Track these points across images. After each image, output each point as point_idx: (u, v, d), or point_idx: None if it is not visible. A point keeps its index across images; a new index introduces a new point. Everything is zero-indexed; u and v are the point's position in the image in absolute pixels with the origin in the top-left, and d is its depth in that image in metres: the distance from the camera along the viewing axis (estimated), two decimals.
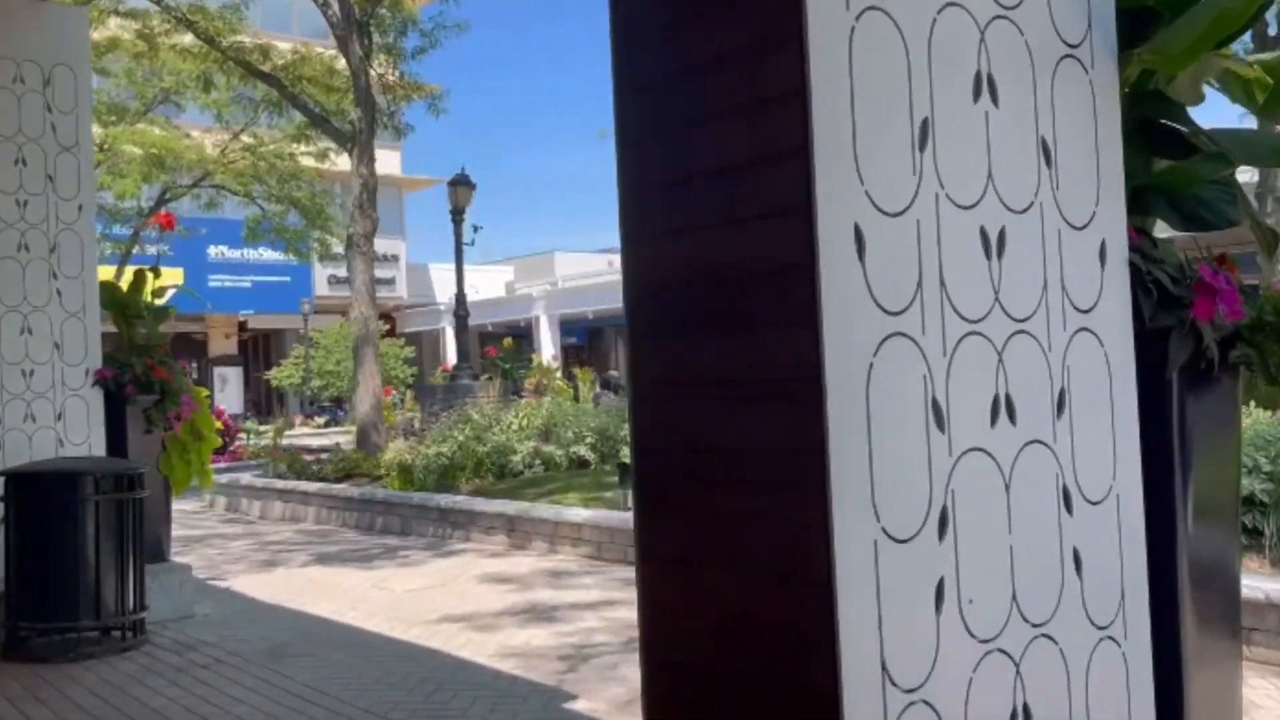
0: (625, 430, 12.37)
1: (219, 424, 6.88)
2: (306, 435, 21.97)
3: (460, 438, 12.13)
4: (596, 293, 36.67)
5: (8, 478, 5.01)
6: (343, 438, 23.95)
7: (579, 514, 8.24)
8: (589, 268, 43.07)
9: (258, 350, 39.24)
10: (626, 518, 7.80)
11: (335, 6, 14.09)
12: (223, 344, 33.79)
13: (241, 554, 9.08)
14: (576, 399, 16.64)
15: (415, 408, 17.34)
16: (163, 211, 13.71)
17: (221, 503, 12.57)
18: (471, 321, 42.61)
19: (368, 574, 7.68)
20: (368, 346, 13.79)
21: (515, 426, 12.40)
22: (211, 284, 28.30)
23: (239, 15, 14.55)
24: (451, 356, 38.77)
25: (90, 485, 5.09)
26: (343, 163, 29.67)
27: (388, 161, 40.46)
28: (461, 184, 15.84)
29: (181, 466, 6.25)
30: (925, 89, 1.65)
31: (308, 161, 26.86)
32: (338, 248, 29.04)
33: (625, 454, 12.61)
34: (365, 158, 13.88)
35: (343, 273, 38.33)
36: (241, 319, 33.95)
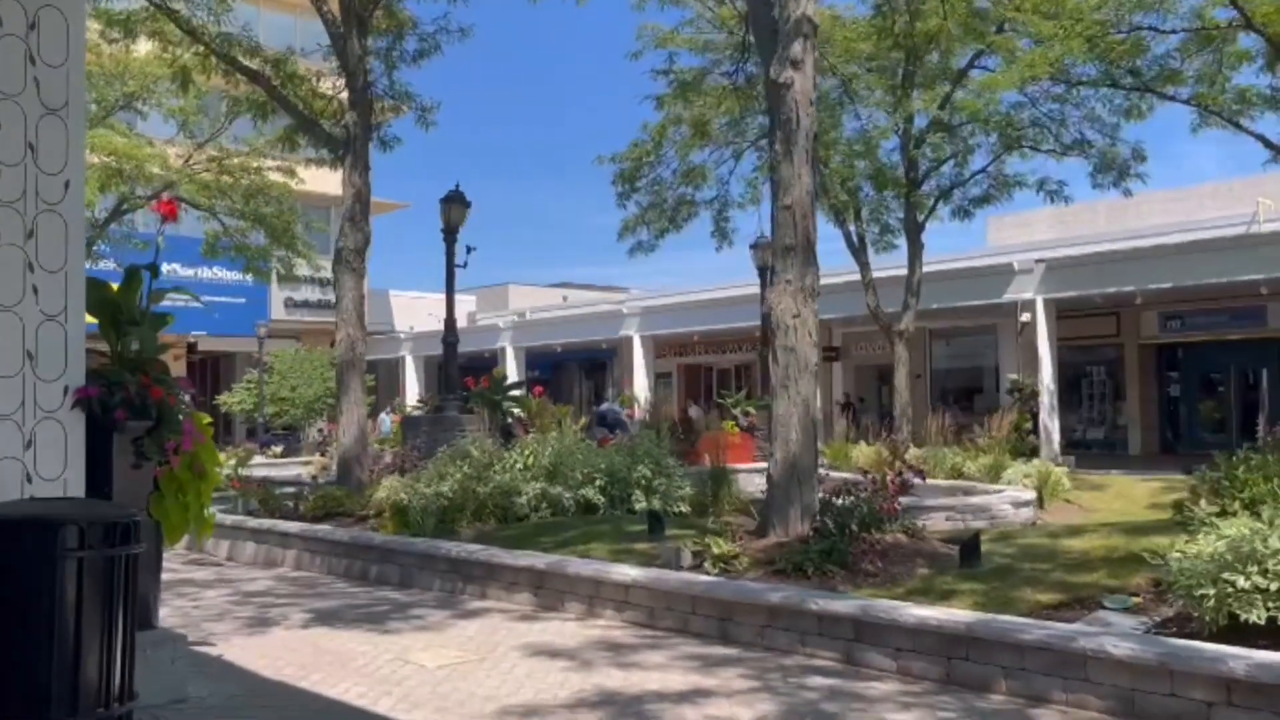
0: (638, 472, 11.55)
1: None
2: (263, 466, 20.60)
3: (458, 476, 11.00)
4: (564, 325, 35.46)
5: None
6: (302, 469, 22.54)
7: (626, 573, 7.14)
8: (543, 301, 41.96)
9: (206, 374, 37.73)
10: (687, 580, 6.69)
11: (332, 2, 12.97)
12: (171, 366, 32.07)
13: (222, 608, 7.83)
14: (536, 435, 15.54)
15: (396, 440, 16.20)
16: (164, 198, 12.49)
17: (182, 540, 11.22)
18: (432, 351, 40.69)
19: (383, 640, 6.49)
20: (353, 372, 12.66)
21: (520, 465, 11.23)
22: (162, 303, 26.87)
23: (225, 6, 13.36)
24: (412, 386, 37.27)
25: (73, 537, 3.99)
26: (313, 180, 28.27)
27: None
28: (455, 201, 14.78)
29: (177, 510, 5.14)
30: None
31: (274, 177, 25.54)
32: (302, 269, 27.54)
33: (640, 499, 11.39)
34: (359, 165, 12.80)
35: (300, 295, 36.91)
36: (192, 339, 32.42)
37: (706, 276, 69.14)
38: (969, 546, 7.12)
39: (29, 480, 4.84)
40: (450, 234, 14.81)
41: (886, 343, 30.53)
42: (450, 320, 15.20)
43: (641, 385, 29.55)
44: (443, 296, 15.65)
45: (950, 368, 29.88)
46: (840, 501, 7.67)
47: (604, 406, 23.21)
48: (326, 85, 15.34)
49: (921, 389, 29.51)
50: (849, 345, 30.69)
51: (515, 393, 17.48)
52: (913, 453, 16.18)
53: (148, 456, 5.14)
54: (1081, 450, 23.98)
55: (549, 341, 34.21)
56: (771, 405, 8.22)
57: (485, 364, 33.35)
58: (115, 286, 5.41)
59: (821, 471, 17.56)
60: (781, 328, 8.13)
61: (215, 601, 8.18)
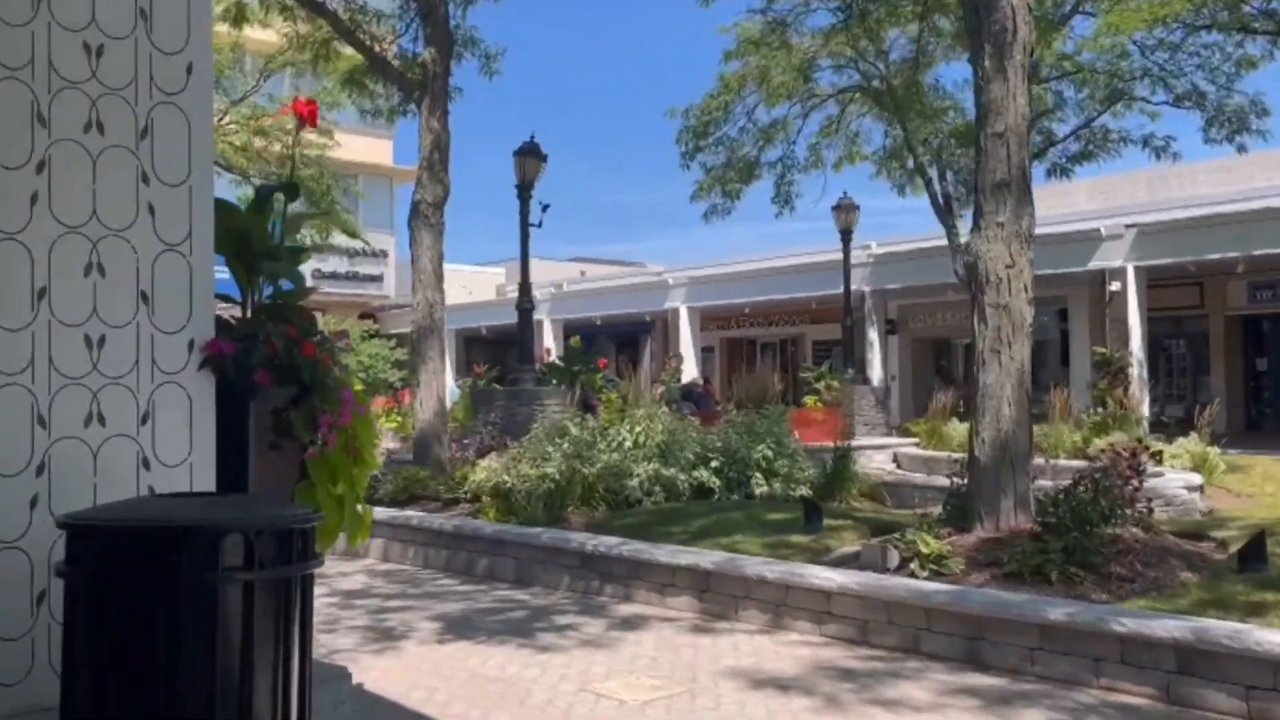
0: (758, 452, 10.29)
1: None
2: None
3: (558, 457, 9.78)
4: (605, 297, 34.22)
5: (73, 533, 2.89)
6: None
7: (829, 577, 5.91)
8: (559, 275, 40.86)
9: None
10: (919, 589, 5.41)
11: None
12: None
13: (327, 614, 6.69)
14: (623, 411, 14.37)
15: (464, 414, 15.09)
16: (301, 98, 11.22)
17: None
18: (464, 324, 39.40)
19: (547, 661, 5.31)
20: (432, 339, 11.46)
21: (629, 444, 10.00)
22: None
23: None
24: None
25: (238, 551, 2.79)
26: (351, 146, 26.92)
27: (378, 150, 37.96)
28: (530, 155, 13.48)
29: (330, 505, 3.84)
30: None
31: (311, 138, 24.14)
32: (338, 238, 26.25)
33: (759, 482, 10.13)
34: (438, 109, 11.50)
35: (328, 266, 35.49)
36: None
37: (732, 249, 67.79)
38: (1252, 548, 5.83)
39: (145, 466, 3.60)
40: (524, 190, 13.53)
41: (947, 315, 29.37)
42: (525, 284, 13.99)
43: (690, 359, 28.24)
44: (476, 269, 14.39)
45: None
46: (1080, 489, 6.40)
47: (691, 380, 21.92)
48: (386, 29, 14.00)
49: None
50: (905, 318, 29.34)
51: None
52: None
53: (294, 434, 3.90)
54: (1159, 429, 22.67)
55: (587, 314, 32.89)
56: (976, 374, 6.96)
57: (515, 339, 32.02)
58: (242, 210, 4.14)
59: (915, 449, 16.35)
60: (991, 281, 6.85)
61: (321, 610, 6.98)
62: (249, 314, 4.01)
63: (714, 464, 10.17)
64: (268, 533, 2.86)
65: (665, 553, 6.82)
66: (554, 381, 13.82)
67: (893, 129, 21.32)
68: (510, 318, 37.94)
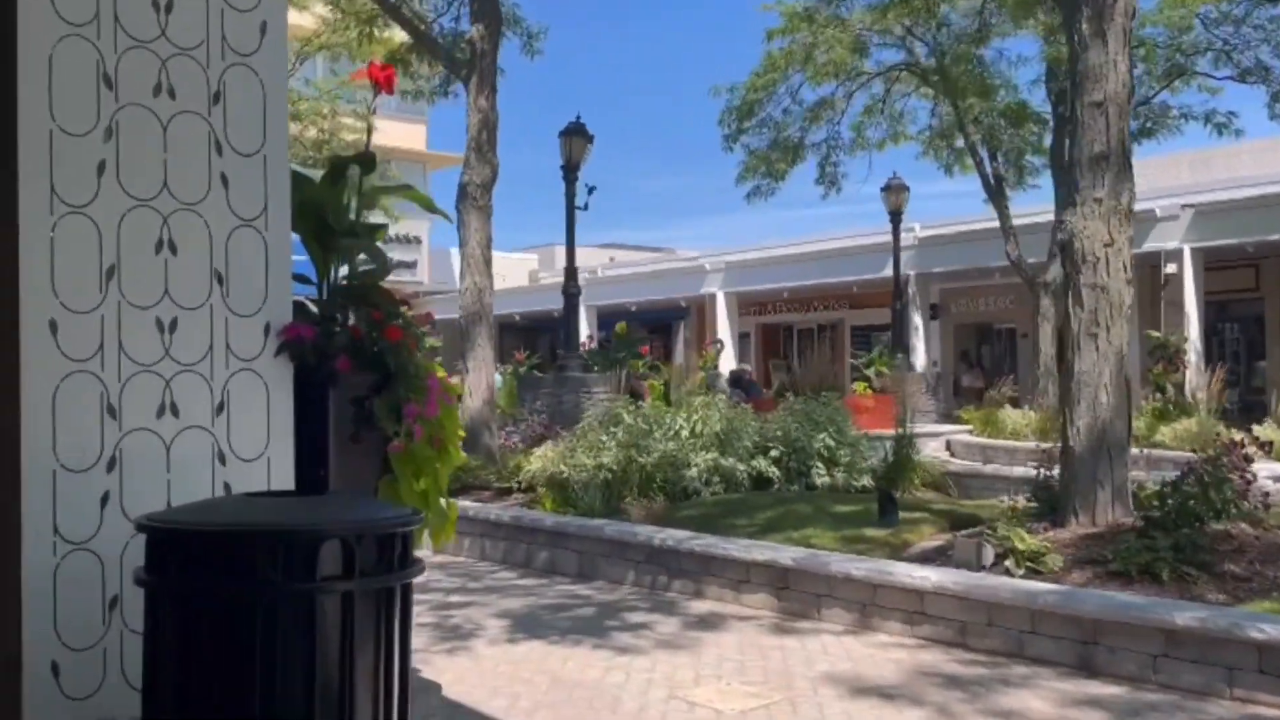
0: (820, 441, 9.92)
1: None
2: None
3: (613, 446, 9.44)
4: (640, 283, 33.86)
5: (155, 537, 2.60)
6: None
7: (923, 575, 5.54)
8: (590, 261, 40.50)
9: None
10: (1025, 589, 5.05)
11: None
12: None
13: None
14: (667, 399, 14.10)
15: (509, 401, 14.83)
16: (377, 61, 10.90)
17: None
18: (497, 311, 38.96)
19: (629, 664, 5.03)
20: (481, 325, 11.15)
21: (686, 433, 9.65)
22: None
23: None
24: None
25: (338, 557, 2.50)
26: (385, 131, 26.73)
27: (411, 135, 37.78)
28: (576, 135, 13.13)
29: (415, 502, 3.55)
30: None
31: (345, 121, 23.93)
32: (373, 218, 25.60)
33: (820, 471, 9.80)
34: (486, 87, 11.16)
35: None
36: None
37: (761, 235, 67.11)
38: None
39: (221, 461, 3.32)
40: (570, 171, 13.19)
41: (989, 300, 28.78)
42: (571, 269, 13.67)
43: (729, 345, 27.81)
44: (507, 255, 14.08)
45: (1060, 325, 27.83)
46: (1187, 483, 6.01)
47: (737, 367, 21.56)
48: (428, 7, 13.69)
49: (1026, 349, 27.66)
50: (948, 302, 28.77)
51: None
52: None
53: (376, 425, 3.60)
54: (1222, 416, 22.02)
55: (622, 300, 32.49)
56: (1070, 358, 6.58)
57: (549, 326, 31.86)
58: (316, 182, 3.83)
59: (969, 437, 15.91)
60: (1088, 260, 6.46)
61: None
62: (325, 296, 3.72)
63: (773, 453, 9.81)
64: (369, 537, 2.57)
65: (739, 547, 6.50)
66: (598, 368, 13.52)
67: (941, 107, 20.84)
68: (543, 304, 37.56)
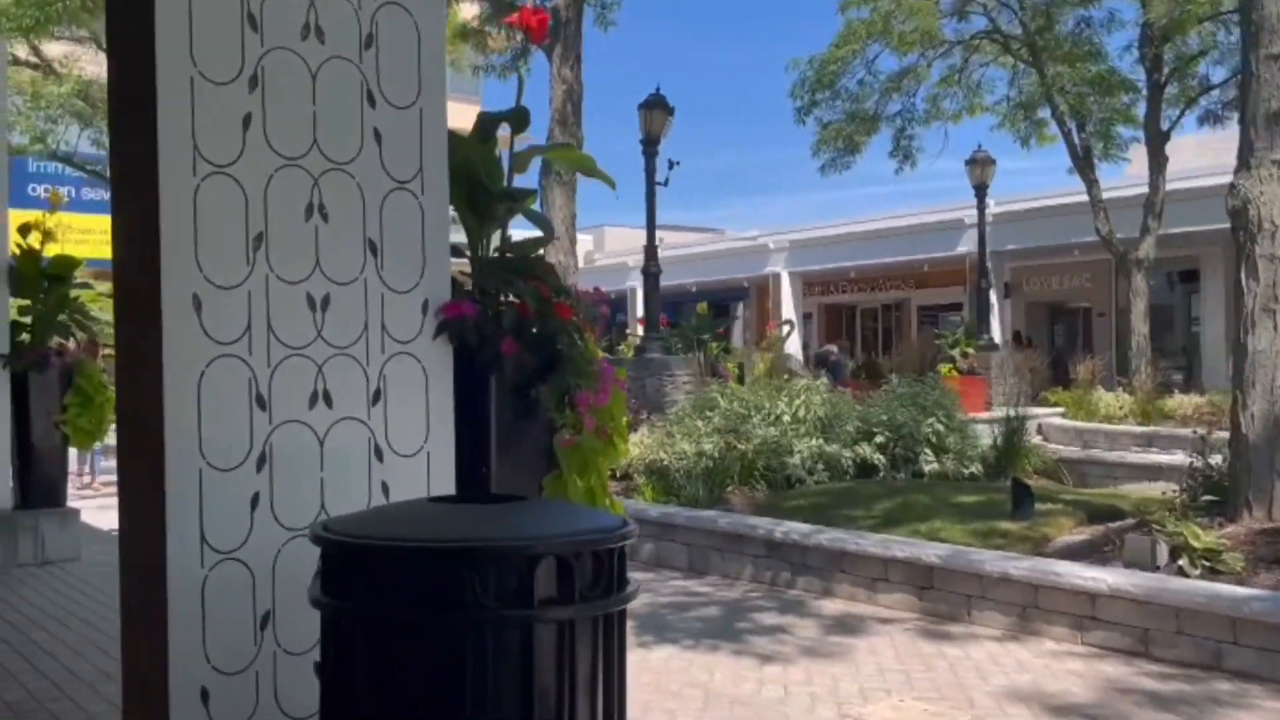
0: (929, 426, 9.40)
1: None
2: None
3: (711, 432, 8.98)
4: (701, 263, 33.32)
5: (334, 552, 2.22)
6: None
7: (1096, 577, 5.04)
8: (638, 243, 39.80)
9: None
10: (1223, 594, 4.53)
11: None
12: None
13: None
14: (741, 380, 13.67)
15: None
16: (529, 5, 10.34)
17: None
18: None
19: (780, 674, 4.69)
20: None
21: (788, 417, 9.16)
22: None
23: None
24: None
25: (553, 578, 2.13)
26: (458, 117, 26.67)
27: (465, 115, 37.20)
28: (656, 107, 12.63)
29: (582, 502, 3.14)
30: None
31: None
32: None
33: (929, 458, 9.30)
34: (570, 57, 10.69)
35: None
36: None
37: (809, 216, 66.05)
38: None
39: (378, 456, 2.92)
40: (650, 145, 12.72)
41: (1063, 278, 27.85)
42: (651, 248, 13.22)
43: (796, 325, 27.20)
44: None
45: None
46: None
47: (825, 348, 21.01)
48: None
49: (1105, 328, 26.78)
50: (1019, 280, 27.92)
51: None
52: (1191, 399, 13.84)
53: (541, 415, 3.19)
54: None
55: (682, 281, 31.95)
56: (1244, 338, 6.02)
57: (609, 305, 31.23)
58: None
59: (1062, 420, 15.27)
60: (1265, 228, 5.88)
61: None
62: (479, 269, 3.31)
63: (878, 439, 9.33)
64: (586, 554, 2.16)
65: (874, 543, 6.04)
66: (678, 351, 13.07)
67: (1021, 77, 20.08)
68: (605, 284, 36.92)
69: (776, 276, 28.72)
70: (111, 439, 9.67)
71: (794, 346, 23.87)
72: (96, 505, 10.44)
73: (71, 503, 8.22)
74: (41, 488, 7.71)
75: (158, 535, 2.61)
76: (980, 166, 17.35)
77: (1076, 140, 17.72)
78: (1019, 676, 4.50)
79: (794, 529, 6.53)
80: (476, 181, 3.22)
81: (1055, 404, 15.84)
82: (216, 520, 2.65)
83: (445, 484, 3.01)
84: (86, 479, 11.86)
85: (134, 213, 2.75)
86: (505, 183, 3.31)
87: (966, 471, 9.42)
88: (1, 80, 7.82)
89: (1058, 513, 7.08)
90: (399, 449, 2.94)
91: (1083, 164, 17.65)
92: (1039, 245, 23.65)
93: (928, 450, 9.33)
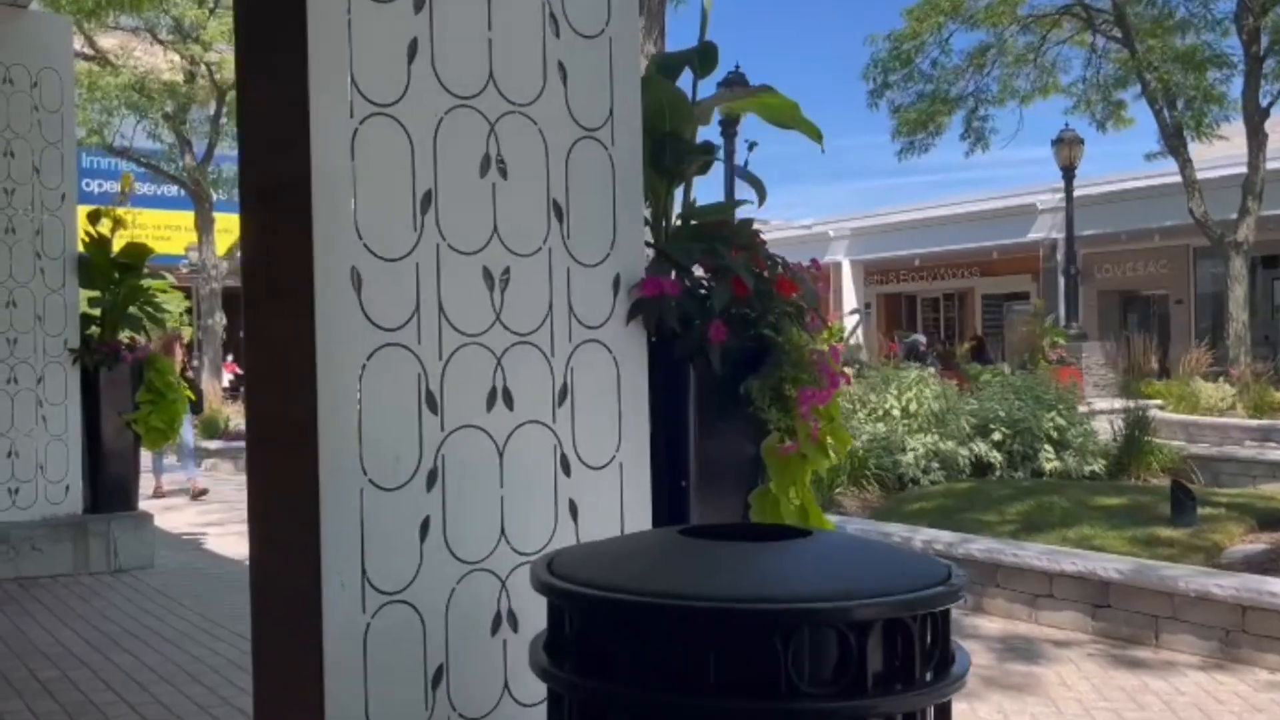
0: (1049, 421, 8.71)
1: None
2: None
3: None
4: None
5: (578, 606, 1.64)
6: None
7: None
8: None
9: None
10: None
11: None
12: None
13: None
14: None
15: None
16: None
17: None
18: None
19: (962, 711, 3.90)
20: None
21: (898, 412, 8.50)
22: None
23: None
24: None
25: (880, 649, 1.54)
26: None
27: None
28: (736, 85, 12.00)
29: (794, 520, 2.59)
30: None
31: None
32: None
33: (1048, 455, 8.60)
34: (655, 30, 10.06)
35: None
36: None
37: (856, 206, 64.73)
38: None
39: (564, 469, 2.36)
40: (729, 126, 12.13)
41: (1136, 264, 26.81)
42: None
43: (864, 314, 26.46)
44: None
45: (1218, 290, 25.77)
46: None
47: (912, 337, 20.33)
48: None
49: (1183, 316, 25.76)
50: (1090, 267, 26.92)
51: None
52: None
53: (748, 416, 2.62)
54: None
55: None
56: None
57: None
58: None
59: (1162, 413, 14.47)
60: None
61: None
62: (666, 236, 2.74)
63: (994, 435, 8.67)
64: (921, 616, 1.59)
65: (1036, 554, 5.41)
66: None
67: (1099, 57, 19.25)
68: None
69: (837, 265, 27.92)
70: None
71: (860, 337, 23.14)
72: (162, 506, 10.06)
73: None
74: (113, 490, 7.29)
75: (308, 574, 2.08)
76: (1068, 146, 16.54)
77: (1168, 118, 16.85)
78: (1253, 718, 3.87)
79: (937, 537, 5.91)
80: (666, 131, 2.64)
81: (1149, 395, 15.02)
82: (381, 552, 2.10)
83: (640, 502, 2.45)
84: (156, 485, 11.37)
85: (275, 168, 2.22)
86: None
87: (1087, 470, 8.75)
88: (68, 60, 7.37)
89: (1222, 518, 6.40)
90: (588, 459, 2.38)
91: (1175, 143, 16.78)
92: (1114, 231, 22.72)
93: (1048, 447, 8.66)
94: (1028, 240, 22.94)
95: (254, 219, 2.33)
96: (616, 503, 2.41)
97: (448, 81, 2.20)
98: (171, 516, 9.56)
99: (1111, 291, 27.07)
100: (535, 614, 2.25)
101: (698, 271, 2.67)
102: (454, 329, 2.20)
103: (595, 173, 2.40)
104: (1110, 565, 5.09)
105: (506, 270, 2.27)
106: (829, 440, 2.74)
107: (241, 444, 14.02)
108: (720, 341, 2.46)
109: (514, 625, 2.26)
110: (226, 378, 20.00)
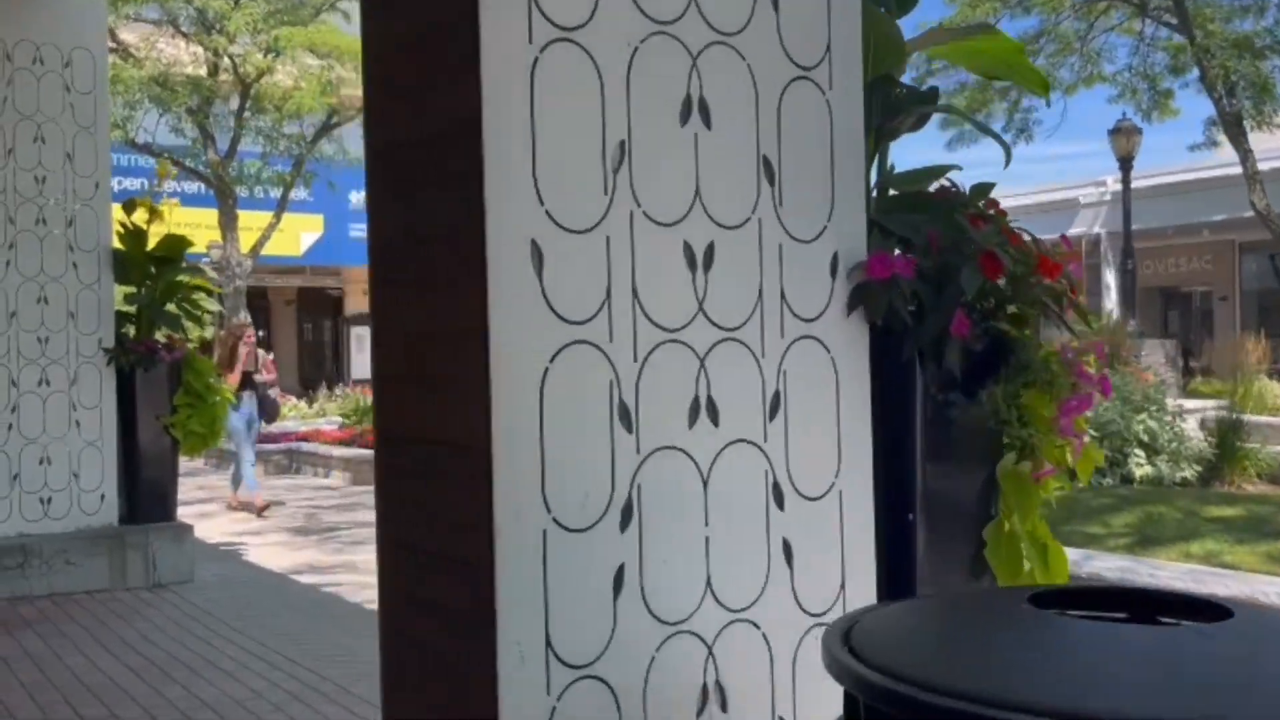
0: (1139, 424, 8.13)
1: None
2: None
3: None
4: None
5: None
6: None
7: None
8: None
9: None
10: None
11: None
12: (361, 301, 30.64)
13: None
14: None
15: None
16: None
17: None
18: None
19: None
20: None
21: None
22: (353, 234, 25.19)
23: None
24: None
25: None
26: None
27: None
28: None
29: (1036, 561, 2.02)
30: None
31: None
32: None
33: (1139, 460, 8.05)
34: None
35: None
36: None
37: None
38: None
39: (776, 499, 1.84)
40: None
41: (1179, 260, 26.13)
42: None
43: None
44: None
45: (1268, 287, 25.00)
46: None
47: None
48: None
49: (1228, 313, 25.08)
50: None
51: None
52: None
53: (983, 432, 2.11)
54: None
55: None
56: None
57: None
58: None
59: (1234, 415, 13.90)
60: None
61: None
62: (878, 204, 2.23)
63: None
64: None
65: (1178, 574, 4.91)
66: None
67: (1148, 45, 18.63)
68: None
69: None
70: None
71: None
72: (195, 513, 9.61)
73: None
74: (150, 499, 6.82)
75: (475, 644, 1.58)
76: (1125, 136, 15.97)
77: (1227, 107, 16.22)
78: None
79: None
80: (877, 75, 2.13)
81: (1210, 395, 14.42)
82: (568, 614, 1.61)
83: (862, 542, 1.94)
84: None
85: (423, 113, 1.72)
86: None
87: (1179, 475, 8.21)
88: (102, 38, 6.93)
89: None
90: (803, 487, 1.87)
91: (1234, 133, 16.15)
92: (1161, 225, 22.10)
93: (1139, 451, 8.11)
94: (1070, 235, 22.34)
95: (387, 182, 1.83)
96: (837, 542, 1.91)
97: (644, 3, 1.70)
98: (205, 525, 9.10)
99: (1152, 288, 26.38)
100: (749, 689, 1.79)
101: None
102: (650, 322, 1.70)
103: (810, 123, 1.89)
104: (1272, 590, 4.57)
105: (710, 246, 1.77)
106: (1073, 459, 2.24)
107: (272, 446, 13.56)
108: (964, 337, 1.95)
109: (722, 703, 1.76)
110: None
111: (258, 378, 9.88)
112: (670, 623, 1.71)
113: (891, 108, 2.13)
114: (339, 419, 16.04)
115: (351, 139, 23.06)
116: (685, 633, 1.72)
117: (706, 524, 1.75)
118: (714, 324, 1.77)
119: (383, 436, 1.84)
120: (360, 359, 24.97)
